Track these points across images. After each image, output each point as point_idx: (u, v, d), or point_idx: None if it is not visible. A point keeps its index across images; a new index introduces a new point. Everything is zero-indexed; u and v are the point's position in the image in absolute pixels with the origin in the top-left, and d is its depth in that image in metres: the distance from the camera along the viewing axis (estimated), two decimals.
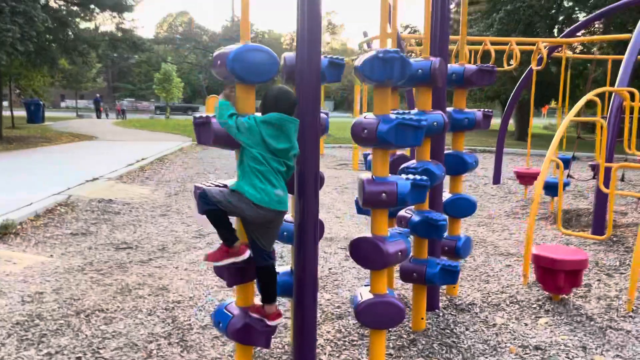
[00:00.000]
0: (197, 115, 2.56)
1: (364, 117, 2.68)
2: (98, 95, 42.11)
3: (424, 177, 2.72)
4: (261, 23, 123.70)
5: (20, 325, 3.50)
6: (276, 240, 2.93)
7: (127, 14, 18.89)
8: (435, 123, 3.19)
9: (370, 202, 2.65)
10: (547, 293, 4.20)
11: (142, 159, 12.39)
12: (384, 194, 2.61)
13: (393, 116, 2.59)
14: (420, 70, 3.11)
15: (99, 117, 38.82)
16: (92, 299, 3.97)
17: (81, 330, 3.45)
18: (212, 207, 2.50)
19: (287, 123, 2.45)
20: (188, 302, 3.98)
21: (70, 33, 17.22)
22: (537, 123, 32.38)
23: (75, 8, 17.90)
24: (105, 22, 19.99)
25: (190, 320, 3.67)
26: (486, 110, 3.85)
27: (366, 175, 2.73)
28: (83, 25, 19.43)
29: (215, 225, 2.55)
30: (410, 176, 2.73)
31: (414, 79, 3.12)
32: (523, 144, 21.69)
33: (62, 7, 17.80)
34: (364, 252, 2.73)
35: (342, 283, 4.46)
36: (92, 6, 18.39)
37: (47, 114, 31.12)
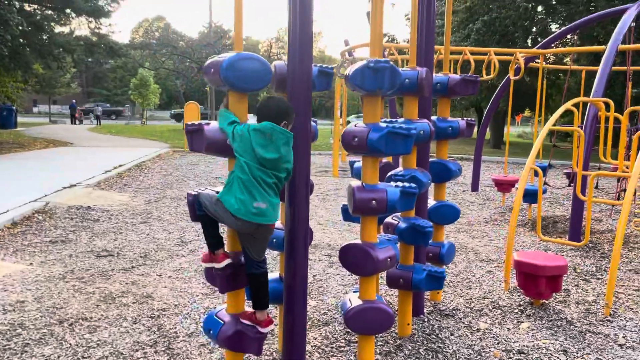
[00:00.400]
0: (190, 122, 2.56)
1: (355, 126, 2.72)
2: (74, 100, 41.44)
3: (413, 185, 2.78)
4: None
5: (2, 334, 3.43)
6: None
7: (104, 19, 18.69)
8: (421, 131, 3.25)
9: (360, 209, 2.69)
10: (528, 298, 4.29)
11: (120, 166, 12.23)
12: (374, 202, 2.65)
13: (383, 125, 2.64)
14: (407, 80, 3.17)
15: (73, 122, 38.18)
16: (75, 308, 3.91)
17: (65, 340, 3.40)
18: (201, 212, 2.52)
19: (277, 134, 2.44)
20: (173, 310, 3.96)
21: (45, 37, 16.96)
22: (511, 131, 32.99)
23: (49, 12, 17.66)
24: (81, 26, 19.76)
25: (176, 328, 3.65)
26: (469, 119, 3.94)
27: (356, 182, 2.77)
28: (58, 29, 19.16)
29: (203, 230, 2.58)
30: (399, 184, 2.78)
31: (401, 89, 3.18)
32: (499, 152, 22.09)
33: (37, 10, 17.53)
34: (354, 259, 2.76)
35: (327, 290, 4.48)
36: (67, 10, 18.16)
37: (20, 119, 30.47)
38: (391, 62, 2.58)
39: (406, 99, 3.36)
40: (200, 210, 2.54)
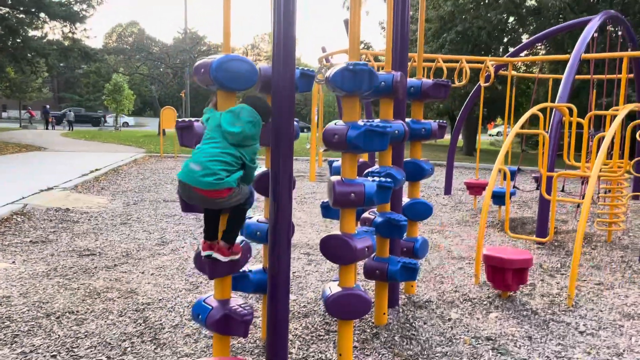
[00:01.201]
0: (180, 119, 2.73)
1: (335, 124, 2.92)
2: (47, 105, 40.79)
3: (389, 179, 2.98)
4: (214, 36, 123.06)
5: None
6: (248, 240, 3.12)
7: (79, 24, 18.57)
8: (397, 131, 3.47)
9: (340, 202, 2.88)
10: (497, 291, 4.55)
11: (96, 170, 12.21)
12: (352, 194, 2.84)
13: (361, 123, 2.84)
14: (383, 83, 3.39)
15: (47, 127, 37.58)
16: (61, 302, 4.01)
17: (53, 331, 3.50)
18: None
19: (245, 111, 2.62)
20: (157, 304, 4.08)
21: (19, 41, 16.78)
22: (484, 139, 33.75)
23: (22, 16, 17.48)
24: (54, 31, 19.59)
25: (161, 320, 3.77)
26: (440, 121, 4.18)
27: (336, 177, 2.97)
28: (32, 33, 18.96)
29: (205, 220, 2.75)
30: (376, 178, 2.99)
31: (377, 91, 3.39)
32: (471, 158, 22.61)
33: (10, 14, 17.34)
34: (334, 249, 2.95)
35: (306, 285, 4.66)
36: (42, 15, 18.01)
37: None
38: (369, 66, 2.78)
39: (382, 101, 3.58)
40: None
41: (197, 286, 4.53)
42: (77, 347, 3.30)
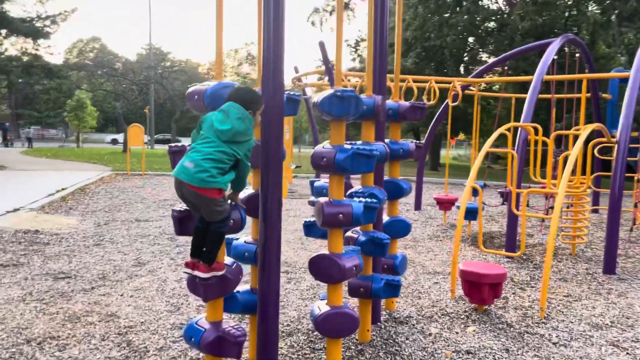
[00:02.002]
0: (173, 144, 2.78)
1: (323, 147, 3.02)
2: (6, 123, 39.61)
3: (374, 200, 3.10)
4: (178, 52, 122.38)
5: None
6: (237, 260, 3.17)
7: (42, 40, 18.24)
8: (379, 152, 3.59)
9: (328, 222, 2.98)
10: (473, 305, 4.70)
11: (63, 189, 11.95)
12: (341, 215, 2.94)
13: (348, 146, 2.95)
14: (365, 106, 3.52)
15: (6, 145, 36.45)
16: (40, 327, 3.94)
17: (35, 357, 3.44)
18: (200, 225, 2.81)
19: (233, 109, 2.72)
20: (140, 327, 4.06)
21: None
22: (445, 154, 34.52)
23: None
24: (16, 46, 19.18)
25: (145, 343, 3.76)
26: (417, 141, 4.34)
27: (324, 199, 3.06)
28: None
29: (193, 239, 2.82)
30: (362, 199, 3.10)
31: (361, 114, 3.51)
32: (436, 173, 23.13)
33: None
34: (323, 268, 3.04)
35: (288, 304, 4.70)
36: (2, 31, 17.61)
37: None
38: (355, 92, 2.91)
39: (364, 124, 3.71)
40: (200, 223, 2.75)
41: (178, 307, 4.52)
42: None
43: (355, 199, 3.15)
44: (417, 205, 10.93)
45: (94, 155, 26.93)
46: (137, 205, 10.41)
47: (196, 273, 2.72)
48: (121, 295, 4.82)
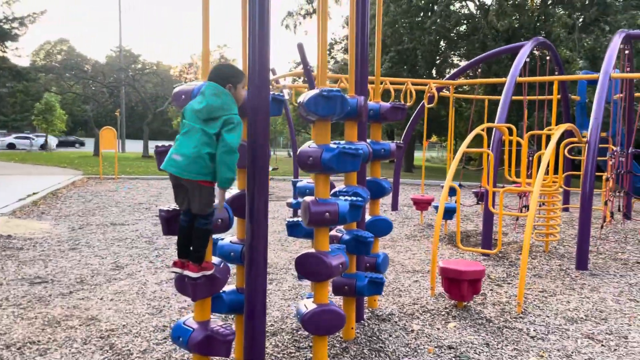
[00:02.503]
0: (160, 144, 2.78)
1: (309, 147, 3.05)
2: None
3: (359, 199, 3.14)
4: (150, 55, 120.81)
5: None
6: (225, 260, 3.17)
7: (9, 42, 17.80)
8: (363, 152, 3.64)
9: (315, 221, 3.01)
10: (453, 301, 4.79)
11: (34, 194, 11.68)
12: (327, 214, 2.98)
13: (334, 145, 2.99)
14: (349, 107, 3.56)
15: None
16: (19, 333, 3.87)
17: None
18: (184, 224, 2.80)
19: (208, 87, 2.74)
20: (122, 330, 4.01)
21: None
22: (419, 156, 34.92)
23: None
24: None
25: (128, 346, 3.72)
26: (398, 142, 4.41)
27: (310, 198, 3.09)
28: None
29: (179, 239, 2.81)
30: (347, 198, 3.14)
31: (344, 114, 3.56)
32: (410, 174, 23.38)
33: None
34: (310, 267, 3.07)
35: (270, 304, 4.71)
36: None
37: None
38: (341, 92, 2.95)
39: (347, 124, 3.75)
40: (183, 222, 2.73)
41: (160, 310, 4.49)
42: None
43: (340, 197, 3.19)
44: (394, 206, 11.05)
45: (64, 159, 26.35)
46: (112, 209, 10.25)
47: (186, 273, 2.72)
48: (101, 299, 4.76)
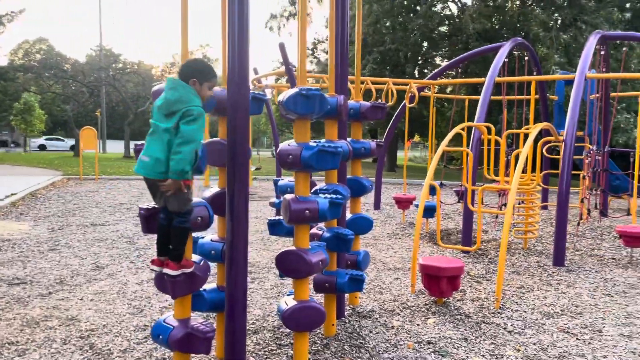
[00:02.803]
0: (139, 143, 2.78)
1: (288, 145, 3.08)
2: None
3: (339, 196, 3.18)
4: (130, 54, 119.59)
5: None
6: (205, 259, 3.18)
7: None
8: (343, 150, 3.68)
9: (295, 218, 3.04)
10: (432, 297, 4.86)
11: (12, 194, 11.51)
12: (307, 211, 3.01)
13: (313, 144, 3.03)
14: (329, 106, 3.59)
15: None
16: None
17: None
18: (163, 223, 2.81)
19: (168, 82, 2.74)
20: (102, 330, 4.00)
21: None
22: (402, 155, 35.16)
23: None
24: None
25: (108, 346, 3.71)
26: (378, 140, 4.46)
27: (290, 196, 3.12)
28: None
29: (159, 238, 2.81)
30: (327, 195, 3.17)
31: (324, 113, 3.59)
32: (393, 174, 23.53)
33: None
34: (290, 264, 3.09)
35: (252, 303, 4.73)
36: None
37: None
38: (320, 91, 2.99)
39: (327, 123, 3.79)
40: (162, 220, 2.74)
41: (141, 310, 4.47)
42: None
43: (320, 195, 3.22)
44: (377, 205, 11.13)
45: (43, 160, 26.00)
46: (92, 210, 10.16)
47: (166, 271, 2.72)
48: (81, 299, 4.72)
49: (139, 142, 2.83)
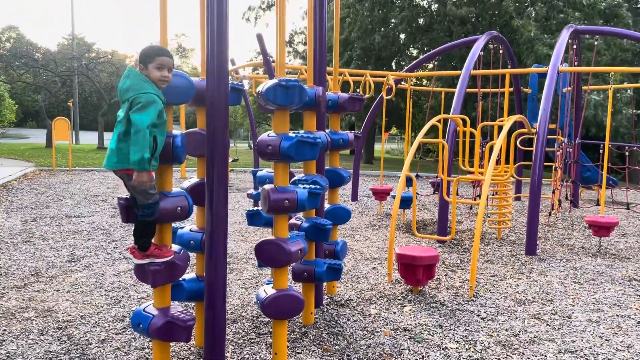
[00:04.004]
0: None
1: (268, 135, 3.11)
2: None
3: (318, 187, 3.22)
4: (104, 43, 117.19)
5: None
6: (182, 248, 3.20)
7: None
8: (321, 141, 3.72)
9: (274, 208, 3.07)
10: (409, 286, 4.96)
11: None
12: (286, 201, 3.05)
13: (292, 134, 3.06)
14: (307, 97, 3.63)
15: None
16: None
17: None
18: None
19: (125, 72, 2.75)
20: (80, 321, 3.98)
21: None
22: (379, 148, 35.36)
23: None
24: None
25: (87, 336, 3.70)
26: (356, 132, 4.51)
27: (269, 186, 3.15)
28: None
29: (144, 230, 2.82)
30: (306, 186, 3.21)
31: (303, 104, 3.63)
32: (370, 166, 23.67)
33: None
34: (269, 253, 3.13)
35: (231, 293, 4.76)
36: None
37: None
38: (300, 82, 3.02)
39: (305, 114, 3.83)
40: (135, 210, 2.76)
41: (118, 300, 4.47)
42: None
43: (299, 185, 3.26)
44: (354, 196, 11.22)
45: (14, 151, 25.40)
46: (66, 202, 10.01)
47: (131, 257, 2.75)
48: (57, 290, 4.69)
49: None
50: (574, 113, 10.27)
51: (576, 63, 9.37)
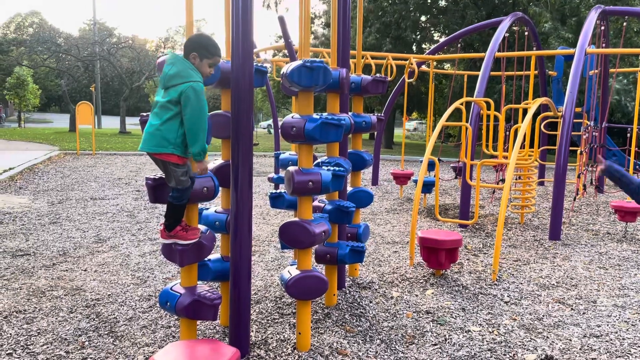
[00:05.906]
0: (145, 113, 2.80)
1: (292, 117, 3.11)
2: None
3: (342, 169, 3.22)
4: (125, 28, 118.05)
5: None
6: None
7: None
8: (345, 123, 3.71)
9: (299, 190, 3.08)
10: (431, 270, 4.95)
11: (10, 169, 11.52)
12: (310, 183, 3.05)
13: (317, 116, 3.05)
14: (331, 78, 3.61)
15: None
16: (5, 302, 3.90)
17: (4, 330, 3.43)
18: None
19: (168, 57, 2.77)
20: (107, 299, 4.07)
21: None
22: (399, 132, 35.12)
23: None
24: None
25: (114, 314, 3.79)
26: (379, 114, 4.49)
27: (293, 167, 3.16)
28: None
29: (174, 211, 2.86)
30: (330, 168, 3.21)
31: (327, 86, 3.61)
32: (390, 150, 23.55)
33: None
34: (294, 234, 3.15)
35: (254, 274, 4.80)
36: None
37: None
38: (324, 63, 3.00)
39: (329, 96, 3.81)
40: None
41: (144, 280, 4.55)
42: (32, 344, 3.27)
43: (323, 168, 3.26)
44: (374, 181, 11.20)
45: (39, 135, 25.83)
46: (91, 184, 10.18)
47: (159, 238, 2.80)
48: (85, 270, 4.79)
49: (144, 114, 2.86)
50: (601, 96, 10.05)
51: (604, 45, 9.14)
